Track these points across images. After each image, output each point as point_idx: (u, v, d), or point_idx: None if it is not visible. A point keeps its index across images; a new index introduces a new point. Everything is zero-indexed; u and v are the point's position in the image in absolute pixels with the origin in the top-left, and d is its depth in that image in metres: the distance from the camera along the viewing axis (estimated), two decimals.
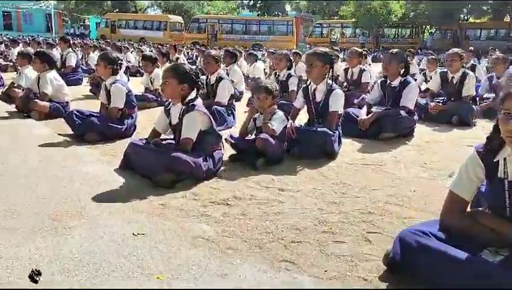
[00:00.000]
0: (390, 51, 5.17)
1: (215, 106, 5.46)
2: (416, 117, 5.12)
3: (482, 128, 5.40)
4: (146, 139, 3.68)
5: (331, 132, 4.06)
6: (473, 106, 5.91)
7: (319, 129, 4.05)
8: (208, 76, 5.79)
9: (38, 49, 6.18)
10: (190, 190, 3.15)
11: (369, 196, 3.13)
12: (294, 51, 12.46)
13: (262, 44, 37.95)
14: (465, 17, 40.67)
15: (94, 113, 4.93)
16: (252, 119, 4.16)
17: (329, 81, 4.30)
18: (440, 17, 35.78)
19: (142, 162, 3.41)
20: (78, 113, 4.82)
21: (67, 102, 6.06)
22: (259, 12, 47.13)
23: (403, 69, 5.03)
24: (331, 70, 4.28)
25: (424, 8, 36.24)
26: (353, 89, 7.46)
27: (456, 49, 6.07)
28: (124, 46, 14.77)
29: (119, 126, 4.73)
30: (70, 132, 4.83)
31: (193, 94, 3.50)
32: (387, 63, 5.02)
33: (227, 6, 51.42)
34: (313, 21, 48.74)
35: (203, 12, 52.98)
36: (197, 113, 3.40)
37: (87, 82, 9.88)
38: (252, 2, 47.35)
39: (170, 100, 3.61)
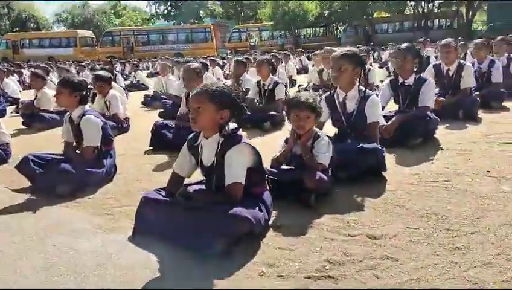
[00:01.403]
0: (403, 45, 4.57)
1: None
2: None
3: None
4: (163, 189, 2.69)
5: (380, 147, 3.33)
6: (477, 98, 5.52)
7: (365, 145, 3.29)
8: (189, 93, 4.82)
9: None
10: (256, 257, 2.24)
11: (483, 231, 2.43)
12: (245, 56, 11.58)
13: (182, 53, 36.93)
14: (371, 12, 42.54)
15: (56, 156, 3.79)
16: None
17: (362, 87, 3.58)
18: (352, 13, 37.08)
19: (173, 225, 2.42)
20: (36, 159, 3.66)
21: (7, 143, 4.76)
22: (174, 21, 45.72)
23: (417, 65, 4.46)
24: (362, 73, 3.56)
25: (338, 6, 37.30)
26: None
27: (450, 39, 5.66)
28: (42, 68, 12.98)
29: (99, 170, 3.63)
30: (26, 183, 3.68)
31: (232, 123, 2.57)
32: (402, 60, 4.41)
33: (141, 18, 49.37)
34: (228, 27, 48.48)
35: (114, 25, 50.52)
36: (244, 148, 2.48)
37: (14, 112, 8.43)
38: (166, 11, 45.71)
39: (197, 132, 2.65)
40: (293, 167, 3.10)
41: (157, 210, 2.52)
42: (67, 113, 3.85)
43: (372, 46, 27.28)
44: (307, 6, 35.81)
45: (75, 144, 3.87)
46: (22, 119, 6.93)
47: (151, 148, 4.83)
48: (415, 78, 4.45)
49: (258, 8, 48.22)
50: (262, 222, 2.41)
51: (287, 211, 2.83)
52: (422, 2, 38.97)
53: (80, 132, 3.66)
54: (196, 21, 46.55)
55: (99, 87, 5.85)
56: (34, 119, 6.68)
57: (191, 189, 2.66)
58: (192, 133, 2.70)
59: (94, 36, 43.27)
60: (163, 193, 2.64)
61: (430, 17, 39.36)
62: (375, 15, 43.42)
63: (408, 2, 42.00)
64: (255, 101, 5.96)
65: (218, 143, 2.49)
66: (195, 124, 2.47)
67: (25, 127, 6.78)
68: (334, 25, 43.98)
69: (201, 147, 2.60)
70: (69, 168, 3.39)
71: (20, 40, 40.54)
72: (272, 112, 5.55)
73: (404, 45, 4.57)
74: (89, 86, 3.73)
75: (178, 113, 4.95)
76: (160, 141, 4.73)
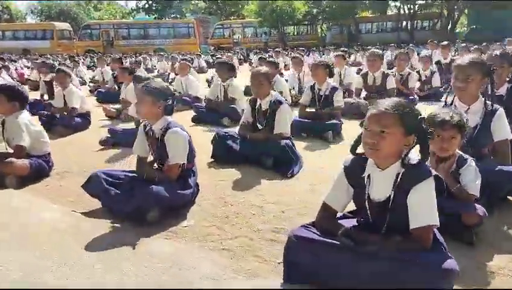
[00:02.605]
0: (497, 52, 4.21)
1: (285, 141, 4.05)
2: None
3: None
4: (312, 225, 2.23)
5: None
6: None
7: (505, 168, 2.90)
8: (255, 100, 4.33)
9: None
10: None
11: None
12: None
13: (165, 48, 36.11)
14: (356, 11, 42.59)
15: (128, 174, 3.28)
16: None
17: (488, 101, 3.19)
18: (339, 12, 36.95)
19: (343, 272, 1.98)
20: (107, 177, 3.14)
21: (49, 153, 4.19)
22: (156, 16, 44.50)
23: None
24: (489, 83, 3.17)
25: (325, 5, 37.14)
26: (375, 96, 6.47)
27: None
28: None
29: (187, 191, 3.13)
30: (89, 204, 3.17)
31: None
32: (499, 67, 4.02)
33: (120, 11, 47.79)
34: (210, 22, 47.64)
35: (91, 18, 48.94)
36: (433, 182, 2.03)
37: None
38: (147, 5, 44.38)
39: (358, 158, 2.18)
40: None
41: (314, 252, 2.06)
42: (143, 124, 3.32)
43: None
44: (295, 4, 35.40)
45: (149, 159, 3.37)
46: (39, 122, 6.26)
47: (212, 160, 4.31)
48: (507, 88, 4.11)
49: (241, 4, 47.51)
50: None
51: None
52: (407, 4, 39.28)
53: (162, 147, 3.14)
54: (178, 16, 45.42)
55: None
56: (56, 122, 6.04)
57: (347, 226, 2.21)
58: (350, 159, 2.23)
59: (71, 29, 41.73)
60: (314, 230, 2.18)
61: (414, 18, 39.68)
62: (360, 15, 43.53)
63: (391, 2, 42.27)
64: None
65: (398, 175, 2.04)
66: (376, 152, 1.99)
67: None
68: (318, 23, 43.72)
69: (370, 178, 2.13)
70: (162, 191, 2.87)
71: None
72: (334, 120, 5.11)
73: (499, 52, 4.21)
74: (174, 94, 3.21)
75: (241, 122, 4.44)
76: (224, 153, 4.23)
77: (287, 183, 3.67)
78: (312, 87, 5.48)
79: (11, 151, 3.93)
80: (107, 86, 10.09)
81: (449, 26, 38.54)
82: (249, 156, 4.13)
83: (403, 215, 2.02)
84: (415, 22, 40.35)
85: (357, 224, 2.26)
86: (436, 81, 7.99)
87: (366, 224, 2.20)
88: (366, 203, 2.14)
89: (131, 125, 5.99)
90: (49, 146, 4.21)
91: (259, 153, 4.06)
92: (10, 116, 3.93)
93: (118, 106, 7.56)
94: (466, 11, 40.89)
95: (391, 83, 6.40)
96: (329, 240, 2.07)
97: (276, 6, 34.56)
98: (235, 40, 41.30)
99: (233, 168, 4.07)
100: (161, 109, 3.11)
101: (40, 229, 2.80)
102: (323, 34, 43.92)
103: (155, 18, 44.69)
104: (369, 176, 2.12)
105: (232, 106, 6.24)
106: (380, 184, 2.09)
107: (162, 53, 21.81)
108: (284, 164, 3.94)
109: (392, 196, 2.05)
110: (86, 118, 6.36)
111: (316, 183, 3.61)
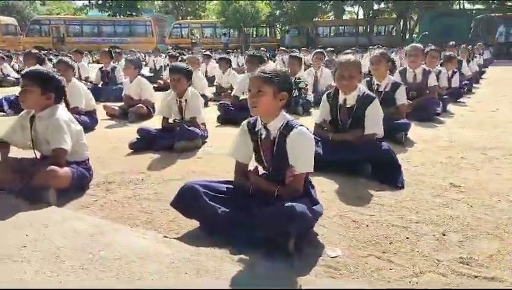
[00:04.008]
0: None
1: (387, 144, 3.41)
2: None
3: None
4: None
5: None
6: None
7: None
8: (336, 94, 3.64)
9: (27, 70, 3.16)
10: None
11: None
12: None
13: (121, 46, 34.59)
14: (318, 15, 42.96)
15: (228, 186, 2.51)
16: None
17: None
18: (300, 15, 36.97)
19: None
20: (208, 191, 2.37)
21: (88, 159, 3.30)
22: (109, 13, 42.37)
23: None
24: None
25: (287, 7, 36.97)
26: (414, 95, 5.99)
27: None
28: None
29: (318, 207, 2.40)
30: (173, 228, 2.45)
31: None
32: None
33: (72, 7, 45.08)
34: (165, 21, 46.21)
35: (38, 13, 45.99)
36: None
37: None
38: (100, 1, 42.17)
39: None
40: None
41: None
42: (247, 121, 2.58)
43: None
44: (258, 5, 34.91)
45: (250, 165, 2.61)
46: None
47: None
48: None
49: (198, 4, 46.38)
50: None
51: None
52: (361, 9, 40.05)
53: (280, 151, 2.40)
54: (134, 13, 43.49)
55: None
56: None
57: None
58: None
59: (17, 24, 39.01)
60: None
61: (372, 23, 40.47)
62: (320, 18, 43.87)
63: (349, 8, 43.01)
64: None
65: None
66: None
67: None
68: (278, 25, 43.51)
69: None
70: (305, 209, 2.12)
71: None
72: (403, 120, 4.52)
73: None
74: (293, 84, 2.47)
75: (316, 121, 3.74)
76: None
77: (406, 195, 3.01)
78: (369, 83, 4.85)
79: (42, 156, 3.05)
80: (88, 82, 9.02)
81: (405, 32, 39.67)
82: (336, 161, 3.43)
83: None
84: (372, 27, 41.19)
85: None
86: (456, 81, 7.70)
87: None
88: None
89: (146, 123, 5.16)
90: (88, 150, 3.31)
91: (353, 159, 3.38)
92: (43, 112, 3.01)
93: (119, 103, 6.65)
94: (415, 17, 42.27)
95: (433, 80, 5.93)
96: None
97: (240, 6, 33.92)
98: (193, 40, 40.28)
99: (320, 176, 3.37)
100: (282, 102, 2.37)
101: (144, 266, 1.98)
102: (281, 36, 43.74)
103: (109, 15, 42.69)
104: None
105: None
106: None
107: (133, 49, 20.51)
108: (384, 171, 3.29)
109: None
110: (92, 116, 5.40)
111: (441, 195, 3.00)
